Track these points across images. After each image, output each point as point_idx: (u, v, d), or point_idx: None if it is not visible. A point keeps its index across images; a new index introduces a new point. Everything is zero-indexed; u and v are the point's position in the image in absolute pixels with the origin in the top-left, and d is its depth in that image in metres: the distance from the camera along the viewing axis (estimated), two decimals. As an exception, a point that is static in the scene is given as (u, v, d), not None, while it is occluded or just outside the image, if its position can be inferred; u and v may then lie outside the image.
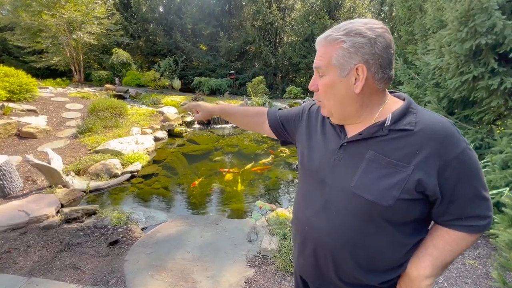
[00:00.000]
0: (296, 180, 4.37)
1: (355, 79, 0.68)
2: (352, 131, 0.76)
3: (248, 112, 1.16)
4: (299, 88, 12.18)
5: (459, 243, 0.69)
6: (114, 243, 2.58)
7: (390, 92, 0.77)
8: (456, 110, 3.33)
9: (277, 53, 14.05)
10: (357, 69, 0.67)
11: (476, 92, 2.87)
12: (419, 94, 3.75)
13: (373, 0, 10.38)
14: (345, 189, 0.72)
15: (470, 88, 2.89)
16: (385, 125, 0.69)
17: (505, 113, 2.76)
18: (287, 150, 5.72)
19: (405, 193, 0.64)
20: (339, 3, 12.48)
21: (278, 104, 9.90)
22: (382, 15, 8.70)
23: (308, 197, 0.83)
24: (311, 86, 0.77)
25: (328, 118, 0.85)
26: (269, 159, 5.27)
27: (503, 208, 1.78)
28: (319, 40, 0.73)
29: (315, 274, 0.84)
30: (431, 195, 0.65)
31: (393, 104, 0.73)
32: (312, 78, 0.77)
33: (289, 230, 2.55)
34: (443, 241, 0.70)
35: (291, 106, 9.99)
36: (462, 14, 2.74)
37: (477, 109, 3.00)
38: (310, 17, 12.50)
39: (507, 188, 2.18)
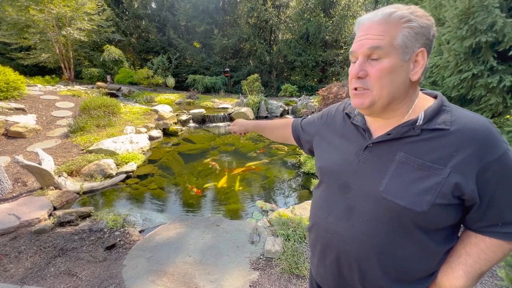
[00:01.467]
0: (295, 180, 4.34)
1: (413, 65, 0.62)
2: (378, 131, 0.71)
3: (278, 125, 1.17)
4: (295, 86, 12.18)
5: (495, 251, 0.64)
6: (111, 247, 2.49)
7: (421, 90, 0.71)
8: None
9: (272, 51, 13.99)
10: (417, 54, 0.61)
11: (474, 90, 2.88)
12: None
13: (368, -2, 10.42)
14: (372, 193, 0.66)
15: (469, 86, 2.90)
16: (417, 124, 0.64)
17: (503, 110, 2.78)
18: (285, 148, 5.69)
19: (441, 198, 0.59)
20: (334, 1, 12.49)
21: (273, 102, 9.85)
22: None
23: (329, 202, 0.77)
24: (357, 71, 0.65)
25: (349, 117, 0.79)
26: (259, 161, 5.20)
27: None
28: (374, 17, 0.62)
29: (337, 284, 0.78)
30: (468, 199, 0.61)
31: (424, 102, 0.67)
32: (357, 63, 0.65)
33: (292, 230, 2.51)
34: (478, 249, 0.65)
35: (286, 104, 9.94)
36: (462, 12, 2.74)
37: (474, 107, 3.01)
38: (305, 15, 12.47)
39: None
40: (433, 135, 0.62)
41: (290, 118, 1.20)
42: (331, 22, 12.28)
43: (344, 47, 12.56)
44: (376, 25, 0.62)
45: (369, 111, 0.69)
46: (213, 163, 4.86)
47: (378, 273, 0.69)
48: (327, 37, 12.45)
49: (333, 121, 0.87)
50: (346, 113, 0.82)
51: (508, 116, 2.68)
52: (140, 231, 2.91)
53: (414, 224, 0.63)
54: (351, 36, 9.95)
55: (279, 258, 2.18)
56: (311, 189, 3.82)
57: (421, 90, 0.71)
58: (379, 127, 0.71)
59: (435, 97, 0.69)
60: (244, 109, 8.62)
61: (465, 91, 3.02)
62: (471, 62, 2.84)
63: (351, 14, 12.35)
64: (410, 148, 0.64)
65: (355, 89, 0.68)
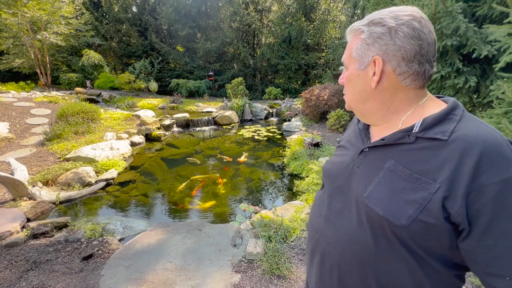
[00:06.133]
0: (279, 181, 4.38)
1: (373, 73, 0.61)
2: (377, 135, 0.68)
3: None
4: (279, 88, 12.34)
5: None
6: (88, 257, 2.40)
7: (439, 97, 0.65)
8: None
9: (255, 55, 14.14)
10: (374, 61, 0.60)
11: (443, 91, 3.04)
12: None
13: (346, 3, 10.76)
14: (359, 198, 0.64)
15: (439, 87, 3.06)
16: (413, 131, 0.58)
17: (470, 109, 2.95)
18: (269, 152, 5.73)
19: (425, 214, 0.53)
20: (314, 5, 12.83)
21: (258, 105, 9.93)
22: (355, 18, 9.04)
23: (323, 203, 0.76)
24: (339, 80, 0.73)
25: (358, 122, 0.80)
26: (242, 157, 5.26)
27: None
28: (347, 32, 0.68)
29: (317, 286, 0.76)
30: (457, 224, 0.52)
31: (432, 108, 0.61)
32: (342, 72, 0.74)
33: (274, 232, 2.53)
34: None
35: (271, 107, 10.05)
36: (429, 17, 2.90)
37: (445, 107, 3.18)
38: (287, 19, 12.74)
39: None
40: (427, 145, 0.56)
41: None
42: (312, 26, 12.62)
43: (326, 50, 12.88)
44: (349, 40, 0.68)
45: (357, 115, 0.74)
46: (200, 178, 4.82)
47: (357, 283, 0.64)
48: (308, 40, 12.77)
49: (349, 128, 0.89)
50: (358, 119, 0.81)
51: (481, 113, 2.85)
52: (120, 240, 2.83)
53: (397, 239, 0.57)
54: (332, 40, 10.21)
55: (260, 260, 2.19)
56: (294, 190, 3.87)
57: (438, 97, 0.65)
58: (378, 132, 0.69)
59: (448, 103, 0.62)
60: (228, 113, 8.62)
61: (436, 92, 3.18)
62: (439, 65, 3.00)
63: (331, 18, 12.76)
64: (401, 156, 0.60)
65: None
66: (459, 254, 0.55)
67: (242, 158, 5.36)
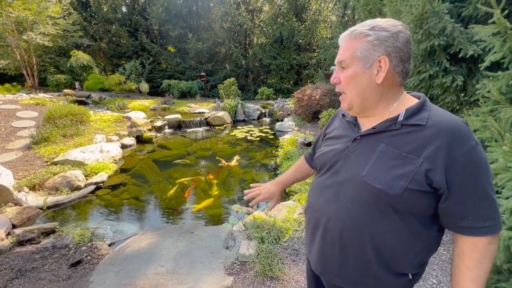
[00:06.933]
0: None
1: (377, 71, 0.73)
2: (366, 125, 0.81)
3: (297, 168, 1.24)
4: (271, 89, 12.33)
5: (486, 255, 0.69)
6: (76, 263, 2.34)
7: (408, 92, 0.80)
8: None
9: (247, 55, 14.10)
10: (379, 61, 0.71)
11: (432, 90, 3.09)
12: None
13: (337, 4, 10.83)
14: (356, 178, 0.76)
15: (427, 86, 3.10)
16: (398, 120, 0.73)
17: (458, 108, 3.00)
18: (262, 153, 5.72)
19: (413, 184, 0.67)
20: (305, 6, 12.88)
21: (250, 105, 9.91)
22: (346, 18, 9.11)
23: (322, 186, 0.88)
24: (333, 79, 0.82)
25: (344, 116, 0.93)
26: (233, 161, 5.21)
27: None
28: (343, 36, 0.78)
29: (319, 260, 0.87)
30: (438, 188, 0.67)
31: (408, 102, 0.76)
32: (334, 72, 0.82)
33: (266, 233, 2.52)
34: (471, 258, 0.70)
35: (263, 107, 10.04)
36: (417, 18, 2.93)
37: (434, 105, 3.23)
38: (278, 19, 12.74)
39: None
40: (411, 130, 0.71)
41: (301, 157, 1.27)
42: (303, 26, 12.65)
43: (317, 50, 12.96)
44: (344, 43, 0.78)
45: (352, 111, 0.83)
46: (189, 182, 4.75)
47: (356, 250, 0.77)
48: (300, 40, 12.80)
49: (332, 123, 1.01)
50: (342, 114, 0.95)
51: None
52: (110, 244, 2.77)
53: (390, 206, 0.71)
54: (323, 40, 10.27)
55: (253, 261, 2.17)
56: (286, 190, 3.86)
57: (408, 92, 0.80)
58: (366, 123, 0.82)
59: (420, 98, 0.78)
60: (221, 113, 8.57)
61: (425, 91, 3.22)
62: (427, 64, 3.05)
63: (322, 18, 12.82)
64: (390, 140, 0.73)
65: (341, 94, 0.84)
66: (436, 215, 0.73)
67: (233, 163, 5.12)
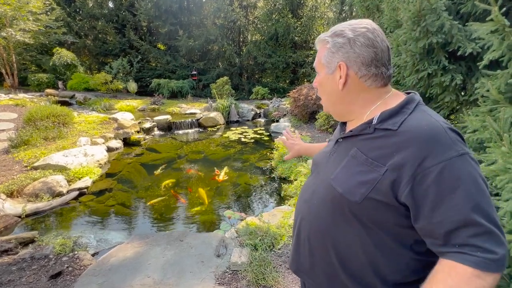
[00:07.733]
0: (267, 185, 4.24)
1: (340, 76, 0.71)
2: (349, 128, 0.79)
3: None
4: (266, 88, 12.10)
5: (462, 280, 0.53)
6: (57, 275, 2.20)
7: (408, 93, 0.72)
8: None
9: (241, 53, 13.82)
10: (339, 67, 0.70)
11: (431, 89, 3.02)
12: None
13: (334, 0, 10.70)
14: (326, 180, 0.74)
15: (426, 84, 3.03)
16: (372, 123, 0.68)
17: (458, 107, 2.94)
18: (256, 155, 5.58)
19: (375, 193, 0.62)
20: (302, 1, 12.66)
21: (244, 105, 9.75)
22: (343, 15, 9.02)
23: (306, 186, 0.88)
24: (313, 83, 0.83)
25: None
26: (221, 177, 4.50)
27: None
28: (316, 41, 0.79)
29: (293, 258, 0.87)
30: (405, 204, 0.60)
31: (392, 103, 0.70)
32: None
33: (260, 239, 2.40)
34: (448, 285, 0.54)
35: (258, 107, 9.89)
36: (414, 15, 2.85)
37: (433, 105, 3.16)
38: (274, 16, 12.50)
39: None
40: (382, 134, 0.65)
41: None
42: (299, 23, 12.40)
43: (314, 48, 12.84)
44: (318, 49, 0.78)
45: (333, 115, 0.83)
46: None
47: (322, 254, 0.75)
48: (296, 38, 12.57)
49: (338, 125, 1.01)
50: None
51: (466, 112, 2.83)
52: (94, 254, 2.60)
53: (351, 213, 0.67)
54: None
55: (245, 270, 2.07)
56: (282, 195, 3.74)
57: (407, 92, 0.74)
58: (350, 125, 0.79)
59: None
60: (213, 114, 8.38)
61: (424, 90, 3.15)
62: (426, 62, 2.97)
63: (318, 15, 12.62)
64: (362, 144, 0.69)
65: None
66: (414, 234, 0.62)
67: (222, 177, 4.36)
